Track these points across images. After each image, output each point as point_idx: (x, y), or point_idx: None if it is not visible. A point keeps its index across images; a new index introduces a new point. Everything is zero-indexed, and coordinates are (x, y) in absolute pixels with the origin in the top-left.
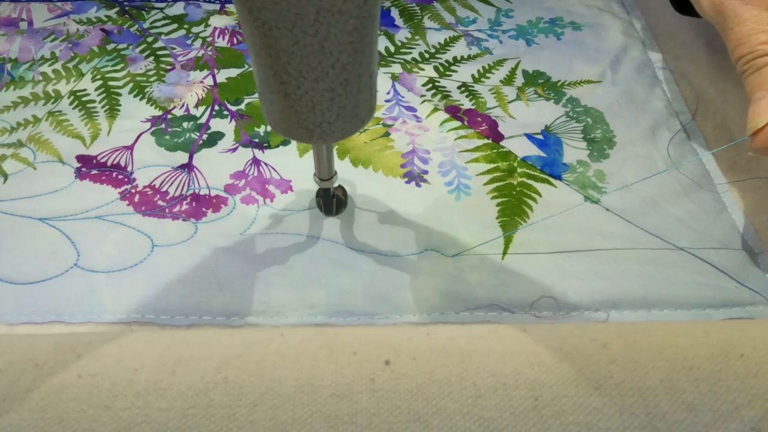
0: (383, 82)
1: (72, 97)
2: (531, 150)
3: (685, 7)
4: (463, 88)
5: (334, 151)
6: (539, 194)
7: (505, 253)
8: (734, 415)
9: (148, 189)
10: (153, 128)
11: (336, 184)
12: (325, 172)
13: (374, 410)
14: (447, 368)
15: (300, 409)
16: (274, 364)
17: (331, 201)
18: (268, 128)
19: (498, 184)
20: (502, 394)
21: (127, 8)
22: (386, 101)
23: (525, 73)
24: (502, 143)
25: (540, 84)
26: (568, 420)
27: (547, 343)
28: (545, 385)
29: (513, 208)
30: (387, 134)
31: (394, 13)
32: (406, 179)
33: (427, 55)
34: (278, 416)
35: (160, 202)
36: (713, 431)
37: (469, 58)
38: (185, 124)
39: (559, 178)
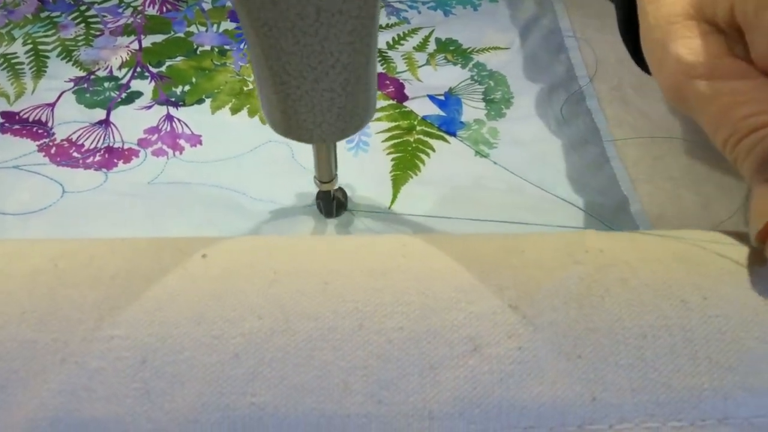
0: None
1: (1, 60)
2: (432, 110)
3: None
4: (377, 54)
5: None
6: (433, 150)
7: (392, 203)
8: (497, 294)
9: (65, 142)
10: (75, 87)
11: (336, 186)
12: (325, 174)
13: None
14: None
15: None
16: None
17: (332, 203)
18: (186, 88)
19: (395, 141)
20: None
21: None
22: None
23: (438, 40)
24: (405, 104)
25: (451, 50)
26: None
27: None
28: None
29: (406, 163)
30: None
31: None
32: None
33: None
34: None
35: (75, 154)
36: (475, 306)
37: (387, 26)
38: (106, 84)
39: (453, 134)
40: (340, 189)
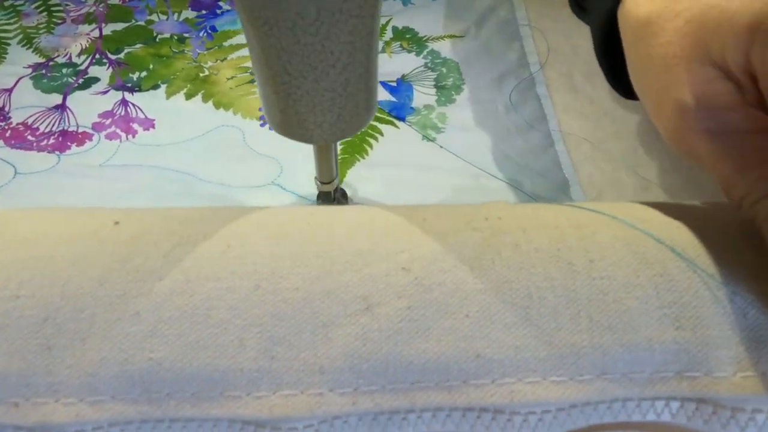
0: None
1: None
2: (383, 96)
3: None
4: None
5: None
6: (381, 134)
7: (338, 185)
8: (392, 257)
9: (20, 126)
10: (33, 73)
11: (336, 187)
12: (326, 175)
13: None
14: None
15: None
16: None
17: (332, 204)
18: (143, 74)
19: None
20: None
21: None
22: None
23: (395, 29)
24: None
25: (407, 39)
26: None
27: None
28: None
29: (354, 147)
30: (252, 81)
31: None
32: (262, 122)
33: None
34: None
35: (29, 137)
36: (369, 268)
37: None
38: (64, 70)
39: (403, 120)
40: (341, 190)
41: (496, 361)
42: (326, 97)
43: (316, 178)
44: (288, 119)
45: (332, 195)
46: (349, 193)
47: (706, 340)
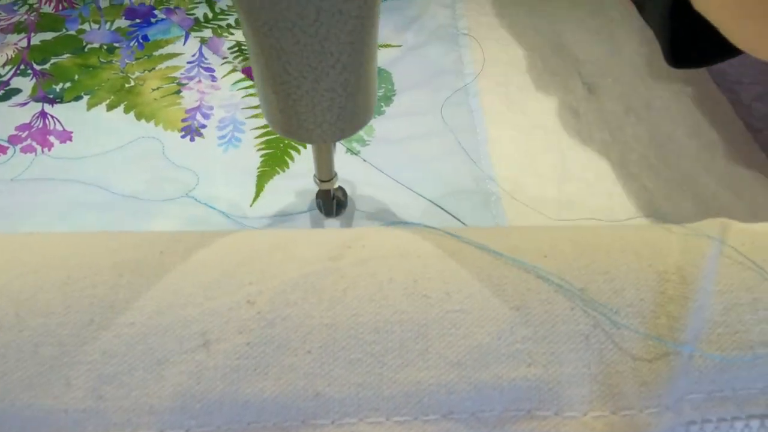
0: (191, 46)
1: None
2: None
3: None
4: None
5: None
6: (304, 146)
7: (254, 200)
8: (239, 289)
9: None
10: None
11: (336, 186)
12: (325, 173)
13: None
14: None
15: None
16: None
17: (331, 202)
18: (66, 85)
19: (269, 137)
20: None
21: None
22: (188, 63)
23: None
24: None
25: None
26: None
27: None
28: None
29: (275, 159)
30: (178, 92)
31: None
32: (183, 133)
33: None
34: None
35: None
36: (212, 302)
37: None
38: None
39: None
40: (340, 188)
41: (337, 400)
42: (326, 97)
43: (315, 175)
44: (288, 119)
45: (331, 193)
46: (348, 191)
47: (558, 378)
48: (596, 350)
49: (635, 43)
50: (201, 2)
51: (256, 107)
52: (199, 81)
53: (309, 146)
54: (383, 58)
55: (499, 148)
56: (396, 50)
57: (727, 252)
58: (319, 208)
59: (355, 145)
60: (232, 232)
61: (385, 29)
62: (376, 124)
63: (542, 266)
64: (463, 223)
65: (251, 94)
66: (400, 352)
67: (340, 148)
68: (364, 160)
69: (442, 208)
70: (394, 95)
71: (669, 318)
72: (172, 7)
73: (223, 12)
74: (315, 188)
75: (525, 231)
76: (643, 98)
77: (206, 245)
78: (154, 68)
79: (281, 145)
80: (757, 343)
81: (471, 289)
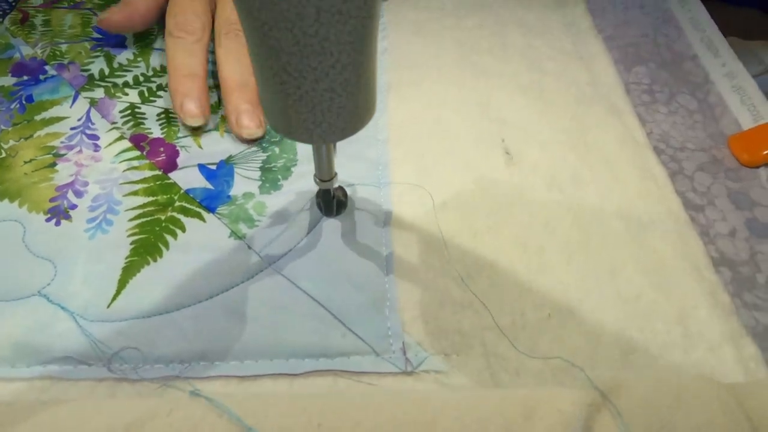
0: (79, 108)
1: None
2: (199, 182)
3: None
4: (162, 116)
5: None
6: (183, 230)
7: (113, 299)
8: None
9: None
10: None
11: (336, 185)
12: (325, 173)
13: None
14: None
15: None
16: None
17: (332, 202)
18: None
19: (144, 219)
20: None
21: None
22: (72, 129)
23: None
24: (171, 174)
25: None
26: None
27: None
28: None
29: (147, 247)
30: (53, 164)
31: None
32: (49, 216)
33: (141, 79)
34: None
35: None
36: None
37: None
38: None
39: (213, 210)
40: (341, 188)
41: None
42: (326, 98)
43: (315, 175)
44: (288, 119)
45: (331, 192)
46: (349, 192)
47: None
48: None
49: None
50: (99, 56)
51: (136, 182)
52: (80, 151)
53: (188, 228)
54: None
55: (402, 257)
56: None
57: None
58: (319, 208)
59: (242, 227)
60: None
61: None
62: (270, 200)
63: None
64: (351, 330)
65: (134, 167)
66: None
67: (222, 231)
68: (249, 248)
69: (330, 311)
70: (294, 166)
71: None
72: (65, 62)
73: (121, 67)
74: (314, 188)
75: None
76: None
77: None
78: (32, 135)
79: (157, 228)
80: None
81: None
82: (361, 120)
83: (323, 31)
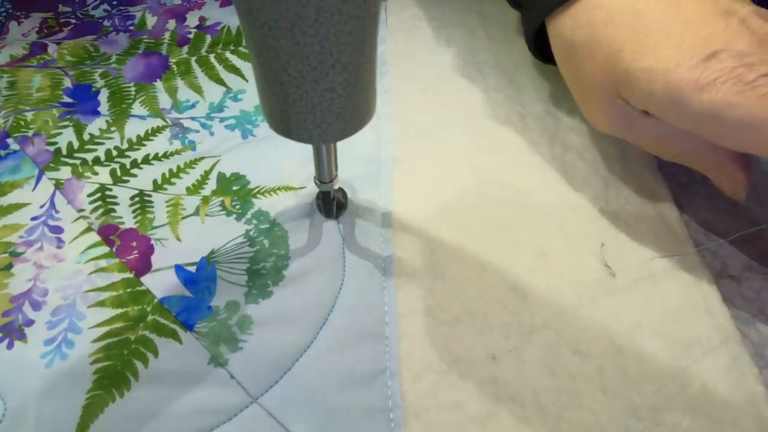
0: (42, 193)
1: None
2: (175, 287)
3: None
4: (137, 199)
5: None
6: (156, 354)
7: None
8: None
9: None
10: None
11: (336, 187)
12: (325, 175)
13: None
14: None
15: None
16: None
17: (332, 204)
18: None
19: (111, 340)
20: None
21: None
22: (33, 219)
23: (221, 176)
24: (144, 278)
25: (234, 191)
26: None
27: None
28: None
29: (113, 377)
30: (9, 266)
31: (104, 95)
32: (1, 335)
33: (114, 153)
34: None
35: None
36: None
37: (165, 156)
38: None
39: (191, 328)
40: (340, 189)
41: None
42: (326, 98)
43: (315, 177)
44: (288, 119)
45: (332, 194)
46: (349, 194)
47: None
48: None
49: None
50: (68, 126)
51: (104, 289)
52: (40, 248)
53: (162, 353)
54: (282, 206)
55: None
56: (298, 194)
57: None
58: (319, 209)
59: (224, 350)
60: None
61: (291, 162)
62: (257, 312)
63: None
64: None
65: (102, 269)
66: None
67: (201, 356)
68: (232, 377)
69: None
70: (287, 266)
71: None
72: (30, 134)
73: (92, 139)
74: (315, 189)
75: None
76: None
77: None
78: None
79: (125, 352)
80: None
81: None
82: (361, 120)
83: (323, 32)
